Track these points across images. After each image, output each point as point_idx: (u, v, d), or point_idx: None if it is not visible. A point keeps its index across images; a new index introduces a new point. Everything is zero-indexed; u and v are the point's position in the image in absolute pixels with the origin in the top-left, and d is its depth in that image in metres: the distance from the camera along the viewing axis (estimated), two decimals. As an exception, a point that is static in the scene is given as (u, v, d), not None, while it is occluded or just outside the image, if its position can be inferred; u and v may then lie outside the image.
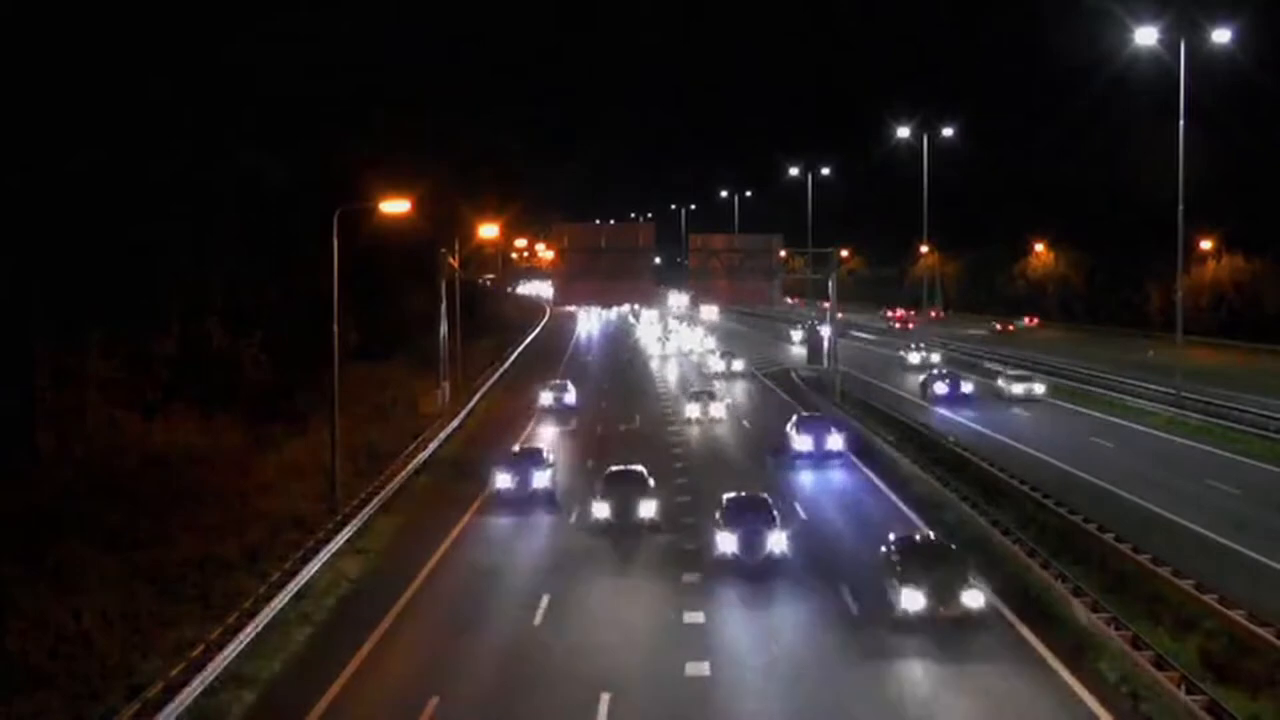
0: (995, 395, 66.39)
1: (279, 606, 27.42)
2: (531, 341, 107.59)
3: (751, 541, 31.07)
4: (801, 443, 47.54)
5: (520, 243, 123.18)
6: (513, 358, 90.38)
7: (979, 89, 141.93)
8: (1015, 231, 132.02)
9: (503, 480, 40.28)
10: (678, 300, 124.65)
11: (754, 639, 26.58)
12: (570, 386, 65.80)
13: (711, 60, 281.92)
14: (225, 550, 32.41)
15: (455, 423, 56.72)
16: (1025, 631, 26.23)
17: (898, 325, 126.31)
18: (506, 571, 32.30)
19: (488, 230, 78.30)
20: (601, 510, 35.71)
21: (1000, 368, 73.17)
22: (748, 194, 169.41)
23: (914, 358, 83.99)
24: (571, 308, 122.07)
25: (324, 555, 31.76)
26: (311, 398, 50.21)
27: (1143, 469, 45.62)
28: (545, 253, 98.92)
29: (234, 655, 24.36)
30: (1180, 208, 59.06)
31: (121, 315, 47.76)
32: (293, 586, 28.77)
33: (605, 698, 22.73)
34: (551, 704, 23.01)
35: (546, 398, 64.30)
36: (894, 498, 40.72)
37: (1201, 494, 40.86)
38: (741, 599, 29.32)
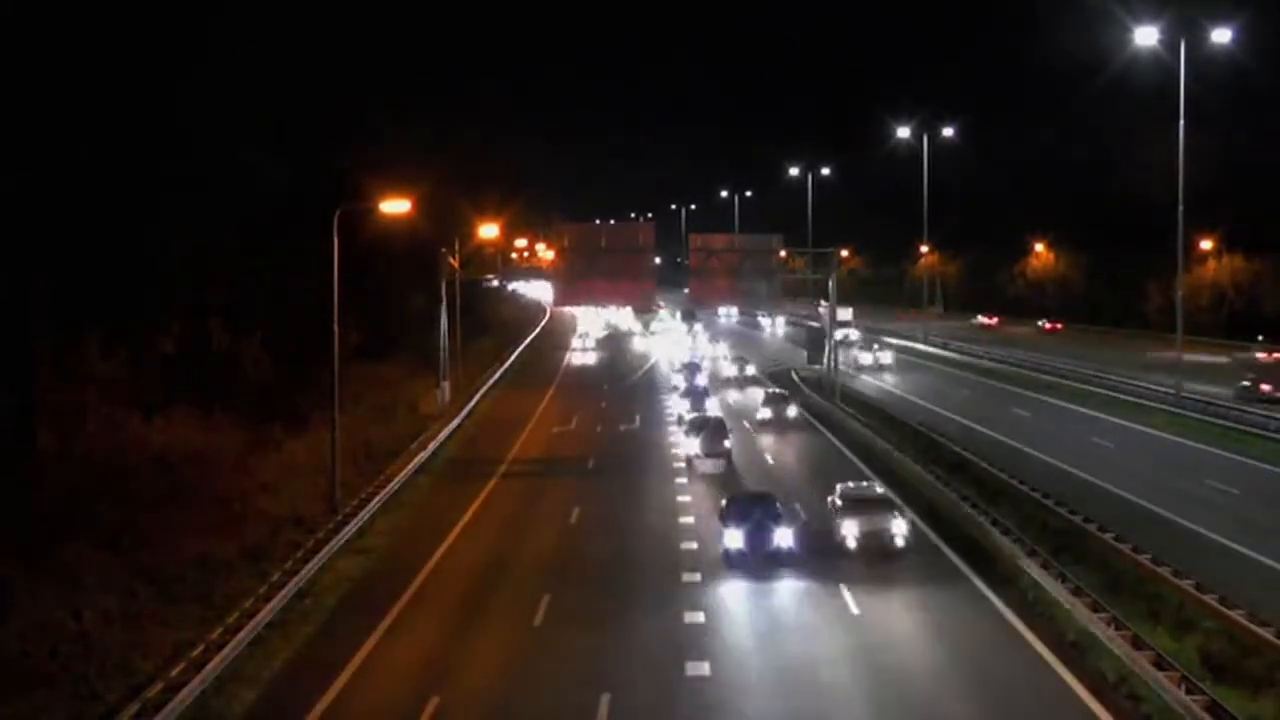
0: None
1: (279, 606, 27.44)
2: (531, 342, 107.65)
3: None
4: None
5: (520, 243, 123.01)
6: (513, 358, 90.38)
7: (979, 89, 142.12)
8: (1015, 231, 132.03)
9: None
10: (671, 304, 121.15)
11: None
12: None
13: (712, 60, 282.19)
14: (225, 550, 32.39)
15: (455, 423, 56.71)
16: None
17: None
18: (507, 571, 32.31)
19: (488, 230, 78.26)
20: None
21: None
22: (748, 194, 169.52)
23: None
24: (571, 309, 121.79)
25: (324, 555, 31.78)
26: (311, 398, 50.19)
27: (1141, 468, 45.72)
28: (545, 253, 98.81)
29: (234, 655, 24.38)
30: (1180, 208, 59.03)
31: (121, 315, 47.74)
32: (293, 586, 28.79)
33: (605, 698, 22.74)
34: (551, 704, 23.01)
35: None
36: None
37: (1201, 494, 40.89)
38: (739, 601, 29.40)
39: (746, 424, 57.95)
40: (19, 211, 42.39)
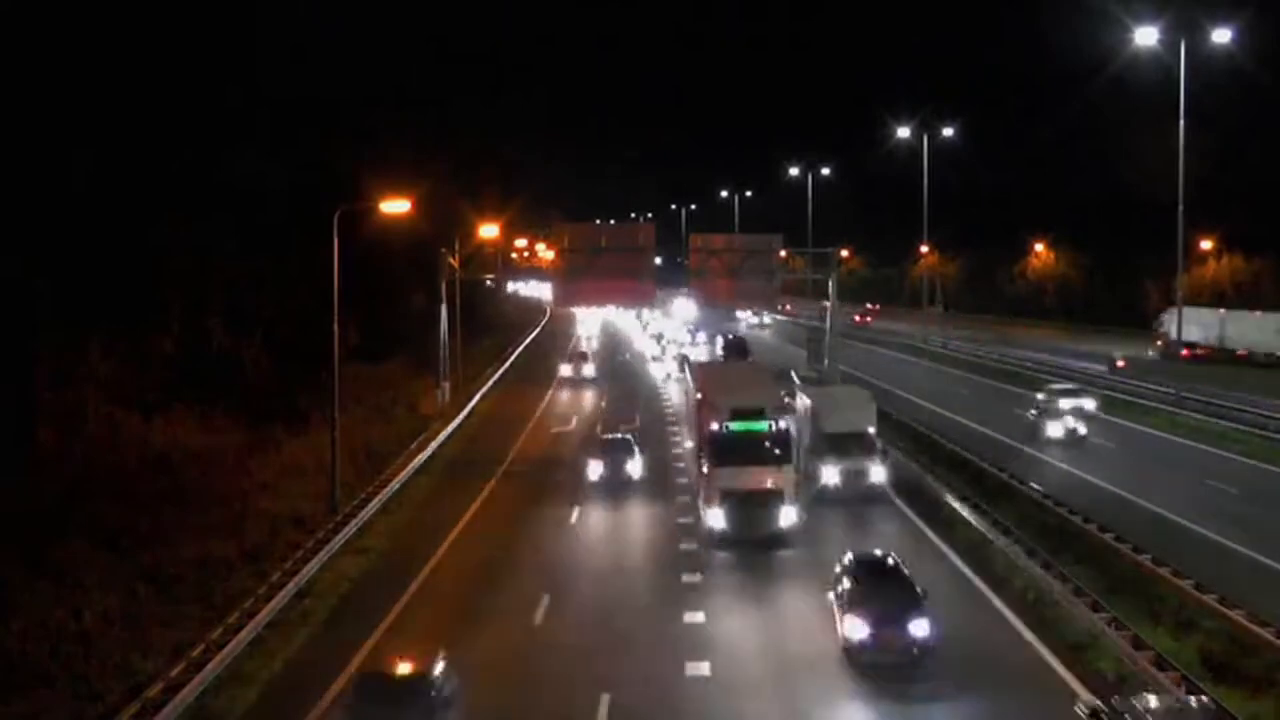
0: None
1: (279, 606, 27.45)
2: (531, 342, 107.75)
3: None
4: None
5: (520, 243, 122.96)
6: (513, 358, 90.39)
7: (979, 89, 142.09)
8: (1015, 231, 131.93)
9: None
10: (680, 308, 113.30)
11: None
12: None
13: (712, 60, 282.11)
14: (225, 550, 32.42)
15: (455, 423, 56.68)
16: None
17: None
18: (507, 571, 32.32)
19: (488, 230, 78.19)
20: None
21: None
22: (748, 194, 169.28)
23: None
24: (572, 309, 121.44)
25: (324, 555, 31.79)
26: (311, 398, 50.16)
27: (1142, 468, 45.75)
28: (545, 253, 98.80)
29: (234, 655, 24.38)
30: (1180, 208, 58.98)
31: (121, 315, 47.78)
32: (293, 586, 28.80)
33: (605, 698, 22.75)
34: (552, 704, 23.01)
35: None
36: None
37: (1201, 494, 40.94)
38: (737, 599, 29.40)
39: None
40: (20, 212, 42.43)
